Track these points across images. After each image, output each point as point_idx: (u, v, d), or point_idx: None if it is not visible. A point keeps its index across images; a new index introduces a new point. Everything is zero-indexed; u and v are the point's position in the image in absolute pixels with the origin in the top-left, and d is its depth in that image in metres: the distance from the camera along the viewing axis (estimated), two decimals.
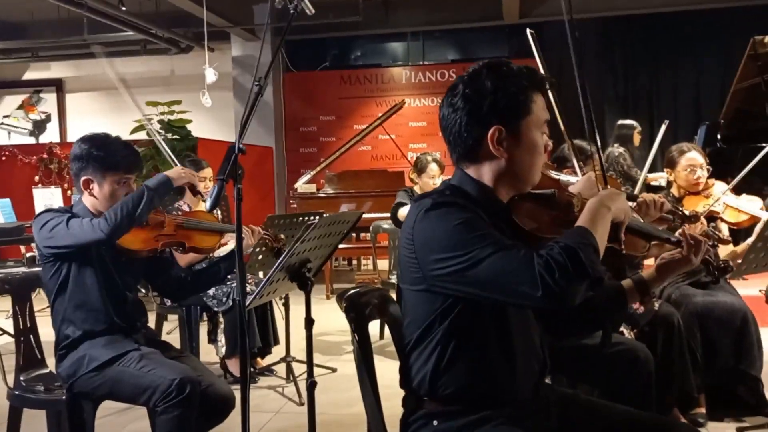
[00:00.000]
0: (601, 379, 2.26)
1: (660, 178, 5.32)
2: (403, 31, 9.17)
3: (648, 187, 5.17)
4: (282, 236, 2.75)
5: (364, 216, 6.23)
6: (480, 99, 1.44)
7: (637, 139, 6.14)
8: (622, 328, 2.58)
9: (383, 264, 5.23)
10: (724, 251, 3.20)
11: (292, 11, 1.91)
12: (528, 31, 2.17)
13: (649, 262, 2.03)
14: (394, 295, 4.63)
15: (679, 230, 1.64)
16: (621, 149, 5.94)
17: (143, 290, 4.97)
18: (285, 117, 9.35)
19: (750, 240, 3.02)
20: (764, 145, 3.46)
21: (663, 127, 3.54)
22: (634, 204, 2.27)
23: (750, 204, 3.11)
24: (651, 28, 8.52)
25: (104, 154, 2.25)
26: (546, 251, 1.27)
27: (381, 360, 1.72)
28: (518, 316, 1.48)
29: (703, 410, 2.87)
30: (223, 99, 8.26)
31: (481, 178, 1.48)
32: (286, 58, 9.11)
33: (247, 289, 3.19)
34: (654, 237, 1.62)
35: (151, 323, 2.69)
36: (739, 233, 3.49)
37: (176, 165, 2.74)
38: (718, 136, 5.86)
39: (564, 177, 2.38)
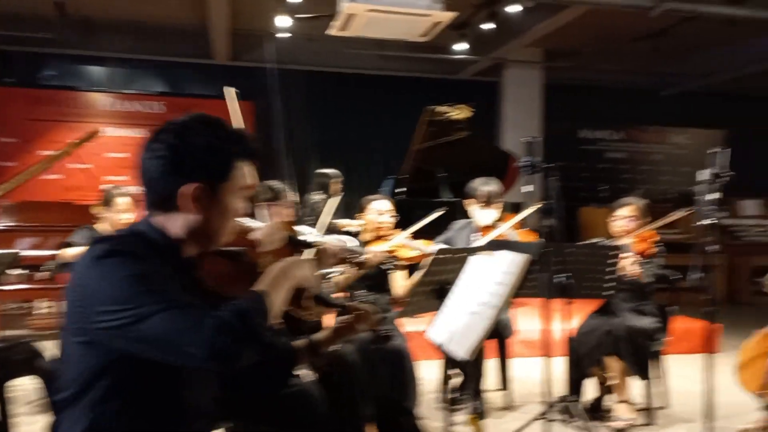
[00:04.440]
0: (279, 421, 2.31)
1: (349, 225, 5.76)
2: (107, 55, 8.58)
3: (341, 232, 5.55)
4: None
5: (43, 253, 5.57)
6: (186, 153, 1.39)
7: (334, 188, 6.57)
8: (300, 371, 2.68)
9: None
10: (400, 281, 3.61)
11: None
12: (228, 89, 2.18)
13: None
14: None
15: (349, 304, 1.81)
16: (320, 196, 6.30)
17: None
18: None
19: (418, 273, 3.46)
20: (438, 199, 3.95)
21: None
22: (314, 251, 2.42)
23: (421, 244, 3.57)
24: (350, 86, 9.32)
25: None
26: (218, 313, 1.25)
27: None
28: (190, 374, 1.43)
29: None
30: None
31: (169, 229, 1.43)
32: None
33: None
34: (327, 304, 1.73)
35: None
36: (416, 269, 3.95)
37: None
38: (403, 189, 6.64)
39: (249, 222, 2.42)
